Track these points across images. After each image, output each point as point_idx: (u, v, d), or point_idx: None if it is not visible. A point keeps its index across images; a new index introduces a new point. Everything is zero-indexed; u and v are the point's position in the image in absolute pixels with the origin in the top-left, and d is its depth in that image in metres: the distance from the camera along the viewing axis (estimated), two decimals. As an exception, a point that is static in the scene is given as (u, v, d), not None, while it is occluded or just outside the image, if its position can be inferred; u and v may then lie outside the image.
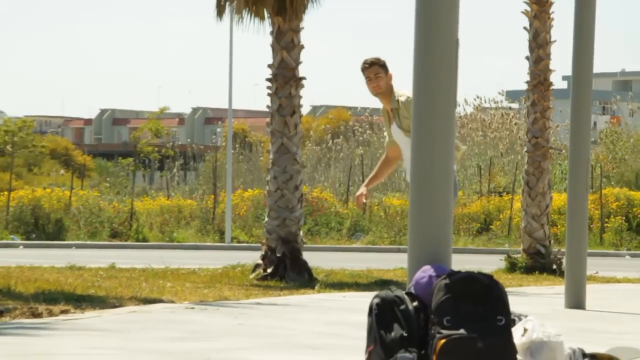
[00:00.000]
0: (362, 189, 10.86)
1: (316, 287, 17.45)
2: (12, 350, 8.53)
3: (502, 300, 7.45)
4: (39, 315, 11.66)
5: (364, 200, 10.75)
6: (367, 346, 7.56)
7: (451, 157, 8.30)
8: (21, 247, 28.80)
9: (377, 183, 11.10)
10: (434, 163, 8.15)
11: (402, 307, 7.53)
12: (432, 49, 8.12)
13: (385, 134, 11.08)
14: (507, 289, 7.48)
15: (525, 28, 23.12)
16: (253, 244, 28.74)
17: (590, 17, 14.05)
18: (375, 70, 10.61)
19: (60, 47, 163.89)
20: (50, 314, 11.72)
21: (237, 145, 42.52)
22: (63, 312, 12.02)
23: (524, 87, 23.76)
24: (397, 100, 10.51)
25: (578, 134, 14.03)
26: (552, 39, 23.14)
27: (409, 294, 7.61)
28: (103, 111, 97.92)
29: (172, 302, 13.85)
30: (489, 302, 7.41)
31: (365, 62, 10.65)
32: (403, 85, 10.55)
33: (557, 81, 45.01)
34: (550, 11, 23.06)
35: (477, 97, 59.26)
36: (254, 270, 18.96)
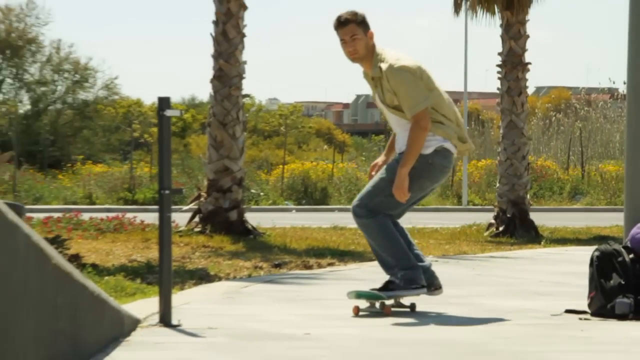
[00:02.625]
0: (380, 159, 7.86)
1: (542, 243, 17.28)
2: (288, 296, 8.65)
3: None
4: (310, 267, 11.83)
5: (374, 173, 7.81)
6: (589, 292, 7.42)
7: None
8: (294, 211, 29.21)
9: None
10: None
11: (620, 258, 7.35)
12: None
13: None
14: None
15: None
16: (486, 206, 28.53)
17: None
18: (351, 30, 7.30)
19: (322, 41, 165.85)
20: (319, 266, 11.88)
21: (472, 122, 42.21)
22: (329, 264, 12.17)
23: None
24: (379, 68, 7.30)
25: None
26: None
27: (625, 247, 7.43)
28: (358, 96, 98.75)
29: (419, 255, 13.84)
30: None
31: (338, 20, 7.36)
32: (388, 45, 7.53)
33: None
34: None
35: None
36: (487, 229, 18.86)
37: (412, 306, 7.26)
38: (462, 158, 35.50)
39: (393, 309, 7.15)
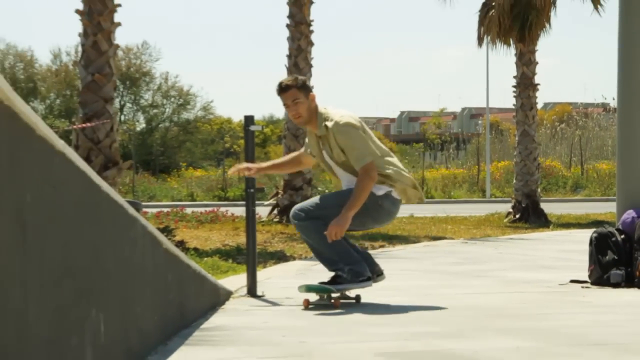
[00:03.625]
0: (254, 166, 6.52)
1: (550, 227, 17.17)
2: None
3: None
4: (365, 249, 11.81)
5: (247, 174, 6.52)
6: (589, 266, 7.36)
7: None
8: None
9: (273, 172, 6.37)
10: (636, 137, 7.86)
11: (614, 239, 7.28)
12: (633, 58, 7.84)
13: (306, 147, 6.60)
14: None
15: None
16: (505, 199, 28.28)
17: None
18: (292, 95, 6.14)
19: (371, 68, 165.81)
20: (372, 247, 11.83)
21: (492, 132, 41.86)
22: (381, 246, 12.13)
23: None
24: (325, 126, 6.15)
25: None
26: None
27: (617, 229, 7.37)
28: (402, 112, 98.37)
29: (452, 238, 13.80)
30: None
31: (279, 86, 6.21)
32: (331, 104, 6.43)
33: None
34: None
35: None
36: (506, 216, 18.76)
37: (357, 298, 6.19)
38: (484, 160, 35.43)
39: (341, 301, 6.07)
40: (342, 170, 6.22)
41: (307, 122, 6.21)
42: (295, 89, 6.15)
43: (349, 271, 6.05)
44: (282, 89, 6.17)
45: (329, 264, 6.16)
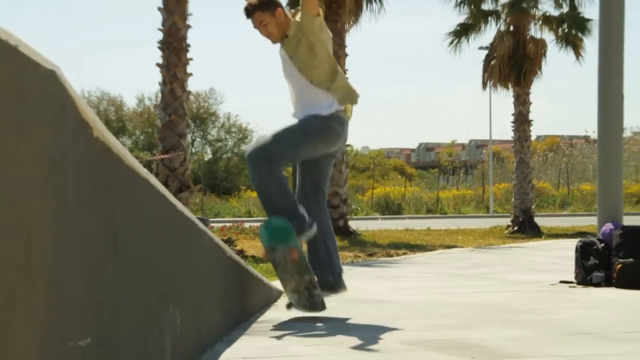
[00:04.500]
0: None
1: (542, 237, 17.02)
2: (378, 274, 8.62)
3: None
4: (391, 255, 11.76)
5: None
6: (575, 269, 7.29)
7: (620, 162, 7.87)
8: (379, 219, 29.12)
9: None
10: (614, 167, 7.80)
11: (595, 247, 7.22)
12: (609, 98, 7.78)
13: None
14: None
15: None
16: (505, 214, 28.11)
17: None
18: (257, 18, 4.85)
19: (394, 105, 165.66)
20: (397, 255, 11.80)
21: (495, 159, 41.61)
22: (404, 253, 12.09)
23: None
24: (296, 24, 4.83)
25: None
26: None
27: (598, 239, 7.30)
28: (420, 143, 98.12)
29: (462, 247, 13.72)
30: (647, 243, 7.07)
31: (244, 11, 4.88)
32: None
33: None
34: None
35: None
36: (506, 229, 18.66)
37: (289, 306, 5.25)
38: (488, 182, 35.19)
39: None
40: (298, 78, 4.82)
41: (281, 38, 4.82)
42: (259, 11, 4.77)
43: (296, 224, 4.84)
44: (247, 15, 4.81)
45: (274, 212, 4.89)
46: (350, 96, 4.92)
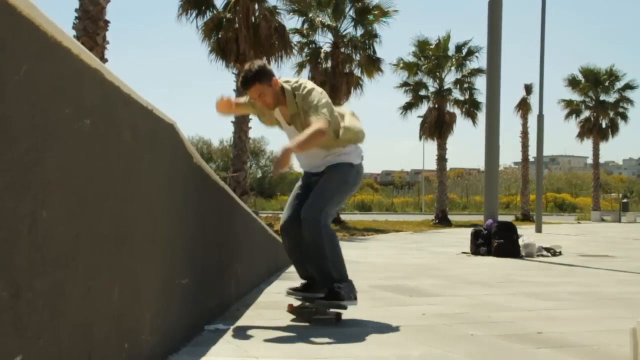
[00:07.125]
0: (233, 100, 2.95)
1: (452, 227, 16.71)
2: (356, 246, 8.35)
3: (515, 228, 7.01)
4: (364, 235, 11.32)
5: (228, 112, 2.94)
6: (470, 246, 7.17)
7: (496, 184, 7.75)
8: (358, 214, 28.12)
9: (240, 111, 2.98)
10: (493, 186, 7.73)
11: (482, 232, 7.12)
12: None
13: (261, 113, 2.86)
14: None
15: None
16: (431, 213, 27.53)
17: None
18: (255, 90, 2.65)
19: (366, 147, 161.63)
20: (368, 235, 11.43)
21: (425, 180, 41.09)
22: (372, 234, 11.63)
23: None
24: (296, 104, 2.66)
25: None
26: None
27: (484, 228, 7.22)
28: (383, 170, 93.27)
29: (406, 231, 13.46)
30: (513, 231, 7.00)
31: (241, 84, 2.68)
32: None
33: None
34: None
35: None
36: (432, 222, 18.30)
37: (339, 316, 2.85)
38: (421, 194, 34.92)
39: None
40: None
41: (276, 105, 2.80)
42: (258, 83, 2.71)
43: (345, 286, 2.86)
44: (245, 87, 2.75)
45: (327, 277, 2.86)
46: (360, 140, 2.91)
